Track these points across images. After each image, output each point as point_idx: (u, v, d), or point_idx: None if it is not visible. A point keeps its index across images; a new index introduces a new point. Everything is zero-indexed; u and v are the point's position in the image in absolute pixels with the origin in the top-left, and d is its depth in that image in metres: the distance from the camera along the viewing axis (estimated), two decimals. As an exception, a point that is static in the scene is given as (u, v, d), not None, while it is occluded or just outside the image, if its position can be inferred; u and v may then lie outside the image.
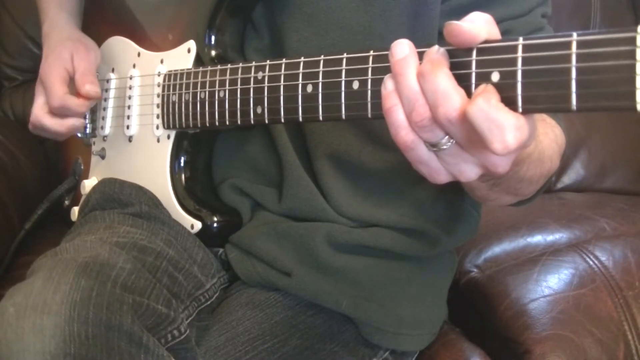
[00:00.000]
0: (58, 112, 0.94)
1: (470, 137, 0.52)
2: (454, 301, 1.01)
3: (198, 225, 0.88)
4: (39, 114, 0.95)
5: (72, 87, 0.95)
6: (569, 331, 1.00)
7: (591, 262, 1.12)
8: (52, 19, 1.03)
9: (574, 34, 0.49)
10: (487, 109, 0.50)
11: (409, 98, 0.54)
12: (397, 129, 0.56)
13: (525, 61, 0.51)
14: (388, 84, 0.56)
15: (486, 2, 0.83)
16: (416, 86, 0.54)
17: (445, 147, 0.54)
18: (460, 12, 0.83)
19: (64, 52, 0.95)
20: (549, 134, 0.76)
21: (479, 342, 1.02)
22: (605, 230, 1.26)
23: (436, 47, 0.55)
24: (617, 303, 1.05)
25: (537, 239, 1.24)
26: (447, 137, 0.54)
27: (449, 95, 0.52)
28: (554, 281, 1.08)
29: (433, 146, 0.55)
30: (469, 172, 0.56)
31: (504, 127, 0.49)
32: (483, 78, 0.53)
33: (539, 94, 0.51)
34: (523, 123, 0.50)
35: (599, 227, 1.27)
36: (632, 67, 0.46)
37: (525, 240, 1.23)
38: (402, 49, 0.55)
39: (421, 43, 0.57)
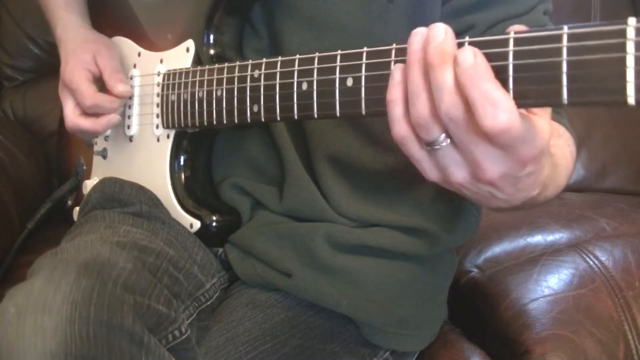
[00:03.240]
0: (91, 111, 0.93)
1: (467, 135, 0.52)
2: (454, 301, 1.01)
3: (197, 224, 0.88)
4: (73, 117, 0.94)
5: (99, 86, 0.94)
6: (569, 331, 1.00)
7: (591, 262, 1.12)
8: (64, 22, 1.02)
9: (565, 27, 0.48)
10: (486, 87, 0.50)
11: (412, 92, 0.54)
12: (393, 122, 0.56)
13: (516, 55, 0.51)
14: (396, 74, 0.56)
15: (487, 3, 0.83)
16: (421, 82, 0.54)
17: (438, 147, 0.55)
18: (462, 13, 0.84)
19: (85, 54, 0.95)
20: (566, 155, 0.75)
21: (479, 342, 1.02)
22: (605, 230, 1.26)
23: (447, 35, 0.53)
24: (617, 303, 1.05)
25: (537, 239, 1.24)
26: (442, 136, 0.54)
27: (452, 93, 0.52)
28: (554, 281, 1.08)
29: (428, 145, 0.55)
30: (459, 174, 0.56)
31: (497, 102, 0.50)
32: None
33: (530, 88, 0.51)
34: (515, 110, 0.51)
35: (599, 227, 1.27)
36: (623, 60, 0.45)
37: (525, 240, 1.23)
38: (418, 40, 0.54)
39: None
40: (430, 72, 0.53)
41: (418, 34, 0.54)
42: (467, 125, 0.52)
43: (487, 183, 0.55)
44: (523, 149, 0.53)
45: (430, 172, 0.58)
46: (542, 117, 0.55)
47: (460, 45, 0.54)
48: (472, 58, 0.51)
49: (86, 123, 0.94)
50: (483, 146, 0.53)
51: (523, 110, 0.53)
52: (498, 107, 0.50)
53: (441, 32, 0.53)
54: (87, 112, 0.94)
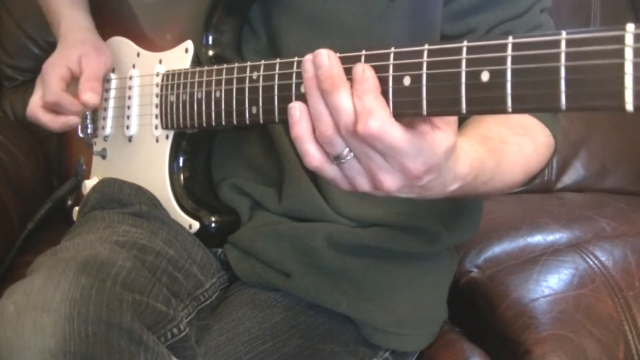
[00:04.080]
0: (51, 108, 0.93)
1: (364, 149, 0.57)
2: (454, 301, 1.01)
3: (196, 225, 0.88)
4: (34, 107, 0.94)
5: (74, 86, 0.94)
6: (569, 331, 1.00)
7: (591, 262, 1.12)
8: (68, 20, 1.02)
9: (563, 33, 0.48)
10: (362, 94, 0.56)
11: (314, 117, 0.59)
12: (303, 156, 0.61)
13: (514, 60, 0.51)
14: (294, 113, 0.61)
15: (486, 5, 0.83)
16: (321, 107, 0.59)
17: (344, 160, 0.60)
18: (461, 16, 0.84)
19: (73, 52, 0.94)
20: (525, 151, 0.77)
21: (479, 342, 1.02)
22: (605, 230, 1.26)
23: (330, 59, 0.58)
24: (617, 303, 1.05)
25: (537, 239, 1.24)
26: (346, 150, 0.59)
27: (349, 111, 0.57)
28: (554, 281, 1.08)
29: (335, 159, 0.60)
30: (363, 184, 0.61)
31: (371, 111, 0.56)
32: (473, 77, 0.53)
33: (528, 93, 0.51)
34: (388, 120, 0.56)
35: (599, 227, 1.27)
36: (621, 66, 0.45)
37: (525, 240, 1.23)
38: (309, 67, 0.59)
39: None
40: (326, 97, 0.58)
41: (308, 62, 0.59)
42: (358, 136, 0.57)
43: (387, 192, 0.60)
44: (407, 162, 0.57)
45: (342, 184, 0.63)
46: (443, 131, 0.57)
47: (459, 49, 0.54)
48: (360, 73, 0.57)
49: (44, 117, 0.94)
50: (377, 158, 0.58)
51: (425, 126, 0.56)
52: (370, 115, 0.56)
53: (324, 58, 0.58)
54: (48, 107, 0.94)
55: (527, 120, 0.80)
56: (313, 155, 0.61)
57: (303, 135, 0.60)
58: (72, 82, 0.94)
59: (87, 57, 0.94)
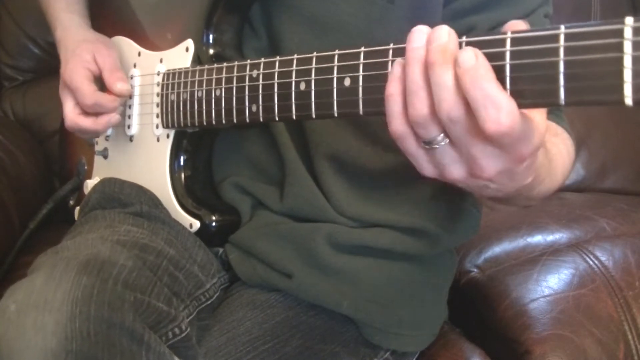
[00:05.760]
0: (91, 110, 0.93)
1: (466, 136, 0.53)
2: (454, 301, 1.01)
3: (197, 224, 0.88)
4: (72, 116, 0.94)
5: (99, 85, 0.94)
6: (569, 331, 1.00)
7: (591, 262, 1.12)
8: (64, 23, 1.02)
9: (562, 27, 0.48)
10: (489, 88, 0.50)
11: (410, 90, 0.54)
12: (390, 118, 0.56)
13: (513, 55, 0.51)
14: (395, 69, 0.55)
15: (488, 5, 0.83)
16: (420, 80, 0.53)
17: (437, 146, 0.55)
18: (462, 15, 0.84)
19: (84, 53, 0.94)
20: (562, 152, 0.76)
21: (479, 342, 1.02)
22: (605, 230, 1.26)
23: (450, 36, 0.53)
24: (617, 303, 1.05)
25: (537, 239, 1.24)
26: (441, 135, 0.54)
27: (455, 93, 0.52)
28: (554, 281, 1.08)
29: (426, 143, 0.55)
30: (455, 172, 0.56)
31: (500, 106, 0.50)
32: None
33: (527, 88, 0.50)
34: (517, 111, 0.51)
35: (599, 227, 1.27)
36: (620, 60, 0.45)
37: (525, 240, 1.23)
38: (419, 38, 0.54)
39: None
40: (431, 71, 0.53)
41: (419, 32, 0.54)
42: (467, 126, 0.52)
43: (485, 180, 0.56)
44: (522, 148, 0.53)
45: (426, 169, 0.58)
46: (538, 111, 0.55)
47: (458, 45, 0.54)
48: (473, 59, 0.51)
49: (86, 122, 0.94)
50: (482, 146, 0.53)
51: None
52: (501, 110, 0.50)
53: (444, 34, 0.53)
54: (87, 112, 0.94)
55: (552, 124, 0.79)
56: (400, 123, 0.55)
57: (397, 94, 0.55)
58: (96, 81, 0.94)
59: (99, 53, 0.94)
